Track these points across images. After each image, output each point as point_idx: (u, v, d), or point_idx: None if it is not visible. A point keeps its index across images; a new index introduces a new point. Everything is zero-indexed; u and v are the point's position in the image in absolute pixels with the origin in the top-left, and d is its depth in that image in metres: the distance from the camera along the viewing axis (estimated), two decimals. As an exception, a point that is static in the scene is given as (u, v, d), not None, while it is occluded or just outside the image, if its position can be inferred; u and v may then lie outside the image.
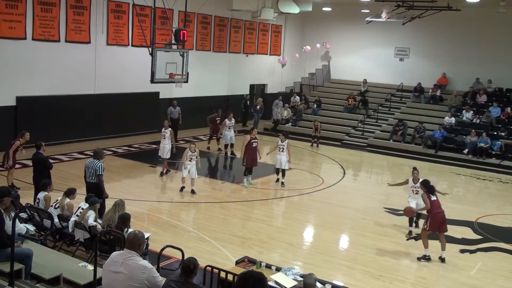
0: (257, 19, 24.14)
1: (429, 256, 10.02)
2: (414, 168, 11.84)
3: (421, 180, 11.00)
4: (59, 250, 8.37)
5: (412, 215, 11.19)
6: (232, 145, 18.43)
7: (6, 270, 6.18)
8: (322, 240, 11.03)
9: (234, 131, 18.58)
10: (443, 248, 10.06)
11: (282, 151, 14.76)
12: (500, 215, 13.62)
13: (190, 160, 13.34)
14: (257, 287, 4.01)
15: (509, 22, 22.80)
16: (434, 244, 10.41)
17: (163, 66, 15.84)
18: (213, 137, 19.38)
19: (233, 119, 18.44)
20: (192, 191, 13.36)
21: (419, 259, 10.05)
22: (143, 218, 11.37)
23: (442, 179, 18.14)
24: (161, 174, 15.16)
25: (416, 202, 11.22)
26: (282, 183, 14.92)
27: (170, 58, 16.15)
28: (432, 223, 9.89)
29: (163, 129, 15.16)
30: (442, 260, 10.01)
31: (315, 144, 21.70)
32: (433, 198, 10.03)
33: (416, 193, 11.33)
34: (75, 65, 18.03)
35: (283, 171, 14.92)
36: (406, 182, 11.86)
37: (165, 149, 15.02)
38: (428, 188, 10.16)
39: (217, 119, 18.97)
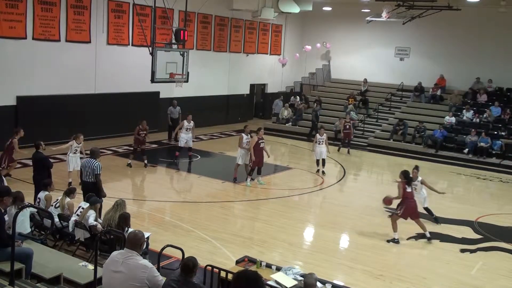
0: (258, 18, 24.14)
1: (397, 239, 10.73)
2: (416, 167, 12.06)
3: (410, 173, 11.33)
4: (60, 249, 8.36)
5: (390, 203, 11.35)
6: (190, 149, 16.90)
7: (6, 270, 6.18)
8: (322, 240, 11.03)
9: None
10: (424, 230, 10.92)
11: (321, 143, 16.40)
12: (500, 215, 13.61)
13: (74, 153, 13.09)
14: (251, 286, 3.99)
15: (510, 22, 22.78)
16: (435, 244, 10.86)
17: (163, 66, 15.82)
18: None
19: (192, 121, 16.73)
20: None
21: (388, 241, 10.75)
22: (143, 218, 11.37)
23: (442, 178, 18.13)
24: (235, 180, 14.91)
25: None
26: (323, 171, 16.49)
27: (171, 57, 16.14)
28: (405, 211, 10.74)
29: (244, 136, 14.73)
30: (428, 239, 10.86)
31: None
32: (408, 189, 10.78)
33: (414, 190, 11.44)
34: (76, 64, 18.02)
35: (323, 160, 16.52)
36: None
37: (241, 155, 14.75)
38: (407, 179, 10.86)
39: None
